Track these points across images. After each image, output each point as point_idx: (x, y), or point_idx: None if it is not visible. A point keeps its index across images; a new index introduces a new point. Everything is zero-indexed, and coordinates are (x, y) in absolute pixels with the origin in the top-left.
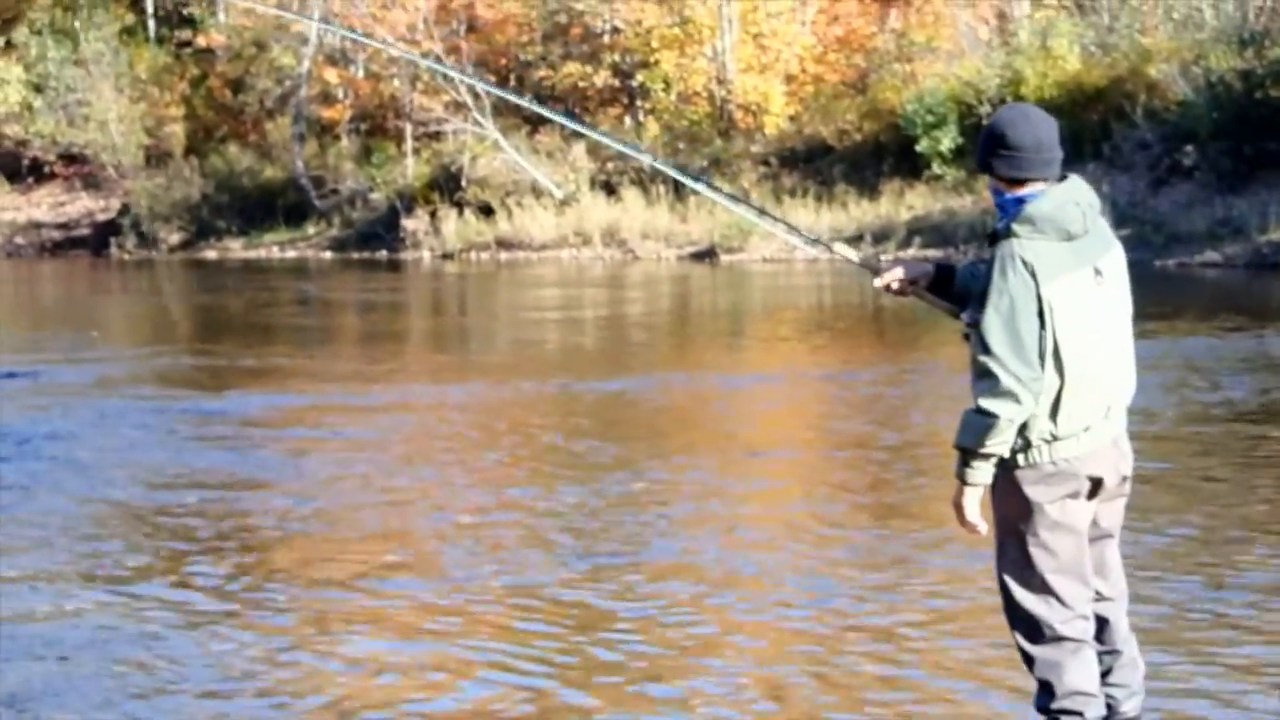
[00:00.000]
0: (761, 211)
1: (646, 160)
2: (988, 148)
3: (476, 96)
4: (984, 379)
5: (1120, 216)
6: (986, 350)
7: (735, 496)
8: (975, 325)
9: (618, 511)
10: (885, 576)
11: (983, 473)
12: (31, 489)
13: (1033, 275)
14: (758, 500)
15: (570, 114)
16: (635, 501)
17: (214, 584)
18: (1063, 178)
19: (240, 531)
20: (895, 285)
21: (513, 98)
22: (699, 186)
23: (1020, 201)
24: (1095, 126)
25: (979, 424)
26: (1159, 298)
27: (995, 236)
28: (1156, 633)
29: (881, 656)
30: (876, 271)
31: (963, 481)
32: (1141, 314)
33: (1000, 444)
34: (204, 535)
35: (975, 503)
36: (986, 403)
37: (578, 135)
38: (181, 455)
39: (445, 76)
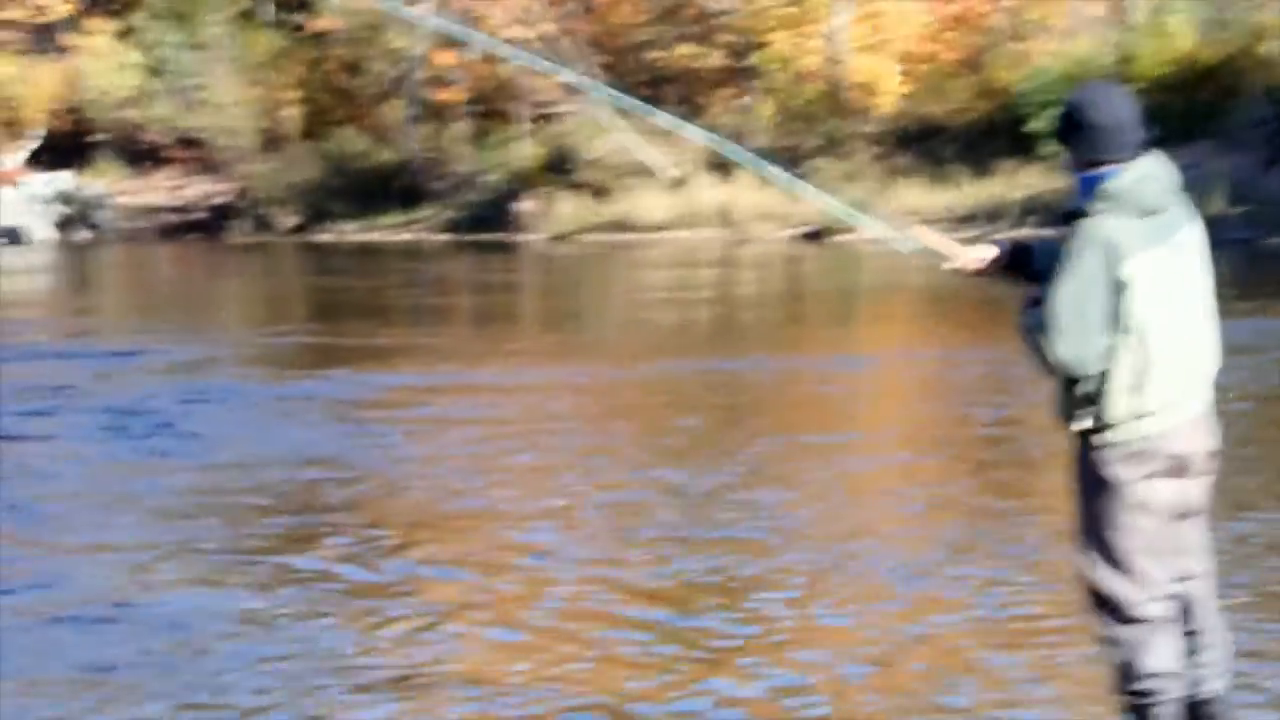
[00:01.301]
0: (831, 199)
1: (731, 150)
2: (1069, 126)
3: (590, 79)
4: (1042, 334)
5: (1233, 194)
6: (1048, 320)
7: (847, 477)
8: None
9: (729, 492)
10: (992, 564)
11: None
12: (145, 462)
13: (1111, 252)
14: (868, 481)
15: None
16: (745, 481)
17: (314, 562)
18: (1142, 152)
19: (345, 509)
20: (969, 268)
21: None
22: (775, 174)
23: (1099, 179)
24: (1208, 104)
25: (1028, 332)
26: (1267, 276)
27: (1072, 215)
28: (1249, 613)
29: (987, 644)
30: (948, 256)
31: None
32: (1247, 293)
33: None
34: (311, 513)
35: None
36: (1039, 344)
37: (692, 116)
38: (298, 432)
39: (559, 58)
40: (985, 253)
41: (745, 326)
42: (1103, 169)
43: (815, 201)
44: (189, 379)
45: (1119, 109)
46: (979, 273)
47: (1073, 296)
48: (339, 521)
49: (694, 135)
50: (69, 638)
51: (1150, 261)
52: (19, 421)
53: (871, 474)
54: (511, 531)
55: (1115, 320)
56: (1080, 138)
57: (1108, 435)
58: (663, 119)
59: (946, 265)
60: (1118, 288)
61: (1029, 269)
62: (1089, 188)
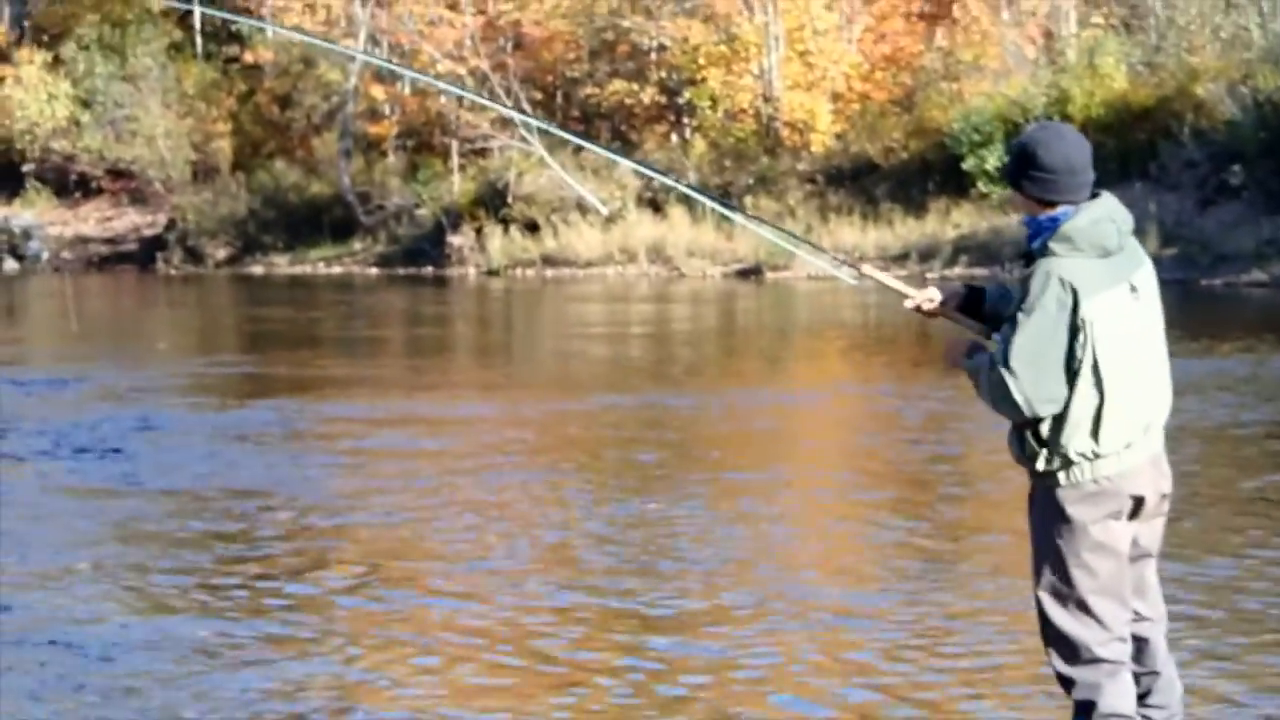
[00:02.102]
0: (790, 235)
1: (682, 187)
2: (1019, 167)
3: (523, 113)
4: (996, 387)
5: (1167, 235)
6: (1005, 361)
7: (786, 512)
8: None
9: (663, 526)
10: (933, 601)
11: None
12: (83, 488)
13: (1072, 293)
14: (808, 516)
15: (585, 136)
16: (679, 517)
17: (254, 592)
18: (1094, 195)
19: (269, 539)
20: (926, 307)
21: (536, 123)
22: (725, 210)
23: (1054, 220)
24: (1142, 145)
25: (987, 393)
26: (1204, 317)
27: (1030, 256)
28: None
29: (924, 672)
30: (906, 294)
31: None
32: (1187, 333)
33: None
34: (252, 543)
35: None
36: (993, 401)
37: (625, 152)
38: (237, 461)
39: (491, 94)
40: (935, 294)
41: (682, 361)
42: (1057, 210)
43: (770, 237)
44: (125, 408)
45: (1076, 150)
46: (934, 313)
47: (1033, 339)
48: (281, 552)
49: (661, 179)
50: (10, 663)
51: (1109, 302)
52: None
53: (811, 509)
54: (457, 565)
55: (1072, 363)
56: (1035, 178)
57: (1066, 475)
58: (604, 154)
59: (907, 304)
60: (1077, 329)
61: (980, 311)
62: (1044, 229)
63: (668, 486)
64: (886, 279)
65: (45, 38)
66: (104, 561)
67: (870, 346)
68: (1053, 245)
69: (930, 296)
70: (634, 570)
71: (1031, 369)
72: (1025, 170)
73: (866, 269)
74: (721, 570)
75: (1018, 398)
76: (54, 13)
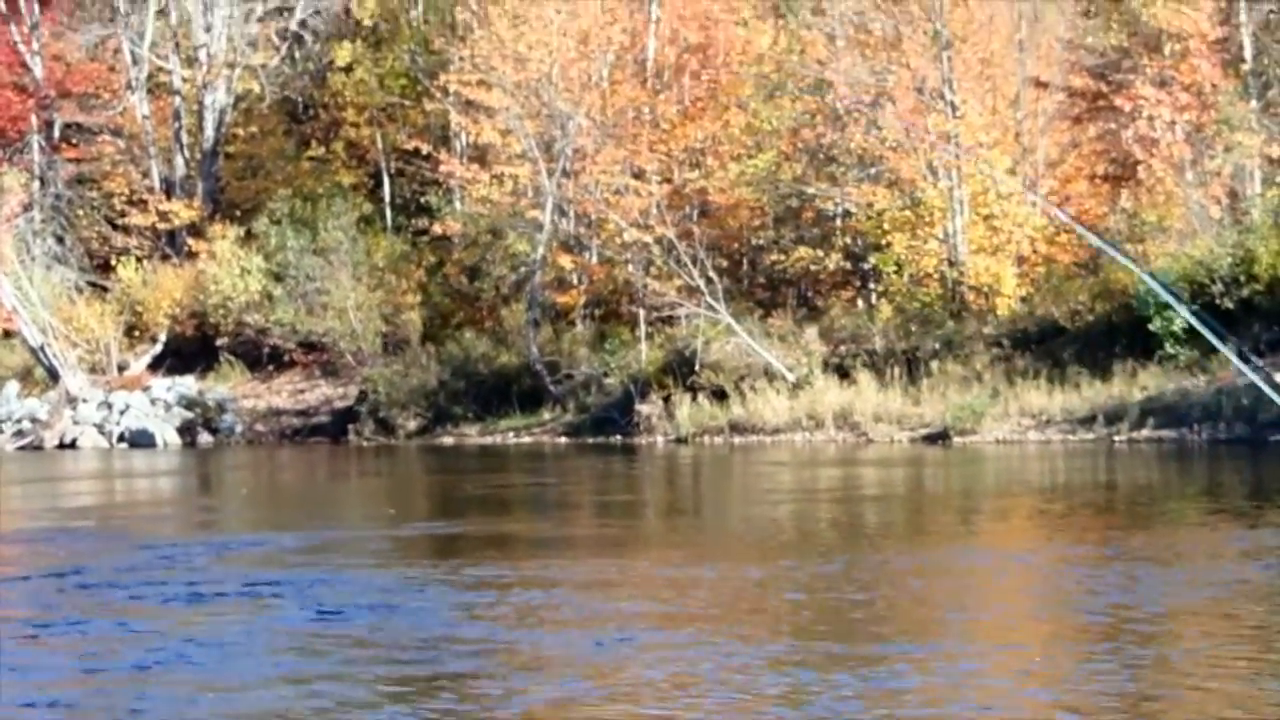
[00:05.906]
0: None
1: None
2: None
3: (710, 281)
4: None
5: None
6: None
7: (988, 685)
8: None
9: (860, 690)
10: None
11: None
12: (286, 632)
13: None
14: (1009, 687)
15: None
16: (880, 685)
17: None
18: None
19: (486, 696)
20: None
21: None
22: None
23: None
24: None
25: None
26: None
27: None
28: None
29: None
30: None
31: None
32: None
33: None
34: (443, 695)
35: None
36: None
37: (811, 319)
38: (433, 615)
39: (678, 261)
40: None
41: (876, 525)
42: None
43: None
44: (322, 567)
45: None
46: None
47: None
48: (466, 708)
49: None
50: None
51: None
52: (150, 598)
53: (1003, 675)
54: None
55: None
56: None
57: None
58: None
59: None
60: None
61: None
62: None
63: (853, 653)
64: None
65: (238, 213)
66: (320, 696)
67: (1062, 508)
68: None
69: None
70: None
71: None
72: None
73: None
74: None
75: None
76: (246, 188)
